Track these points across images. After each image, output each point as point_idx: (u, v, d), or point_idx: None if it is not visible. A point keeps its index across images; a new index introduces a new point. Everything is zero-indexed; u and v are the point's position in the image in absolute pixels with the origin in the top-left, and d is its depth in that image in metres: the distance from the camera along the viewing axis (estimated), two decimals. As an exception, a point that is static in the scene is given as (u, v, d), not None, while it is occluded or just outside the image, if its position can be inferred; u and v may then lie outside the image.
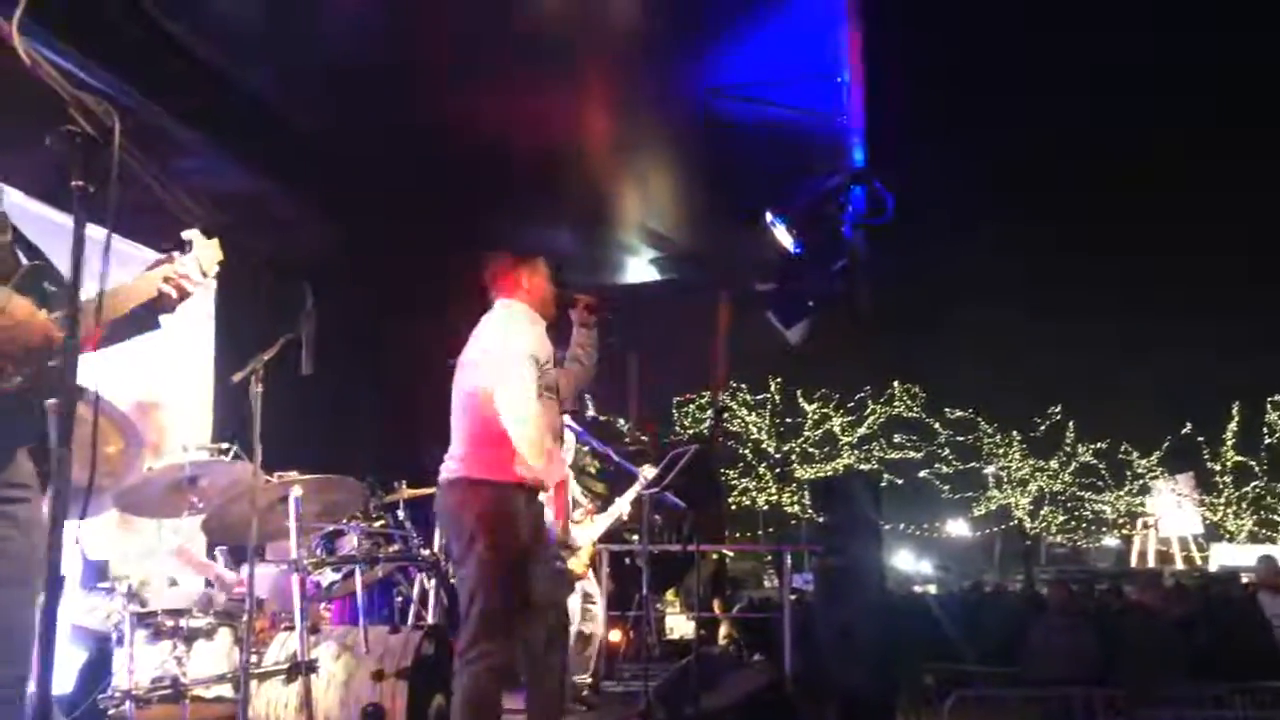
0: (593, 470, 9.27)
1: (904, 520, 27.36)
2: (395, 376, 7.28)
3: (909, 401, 25.80)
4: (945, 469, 26.46)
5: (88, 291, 2.08)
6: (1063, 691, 7.29)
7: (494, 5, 4.92)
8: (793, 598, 8.22)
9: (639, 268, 8.90)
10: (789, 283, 7.14)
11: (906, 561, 28.89)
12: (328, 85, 5.51)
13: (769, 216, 6.24)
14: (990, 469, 27.51)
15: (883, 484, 19.34)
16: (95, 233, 1.66)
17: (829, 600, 7.52)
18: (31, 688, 3.07)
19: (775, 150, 6.10)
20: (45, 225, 4.80)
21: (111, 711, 3.50)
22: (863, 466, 24.73)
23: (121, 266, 1.92)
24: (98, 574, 3.98)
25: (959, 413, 26.30)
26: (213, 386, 6.38)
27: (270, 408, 3.69)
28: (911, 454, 25.99)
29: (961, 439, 26.55)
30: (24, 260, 2.06)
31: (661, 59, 5.41)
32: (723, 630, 9.97)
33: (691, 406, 23.96)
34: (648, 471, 6.02)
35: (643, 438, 11.90)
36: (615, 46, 5.35)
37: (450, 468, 3.83)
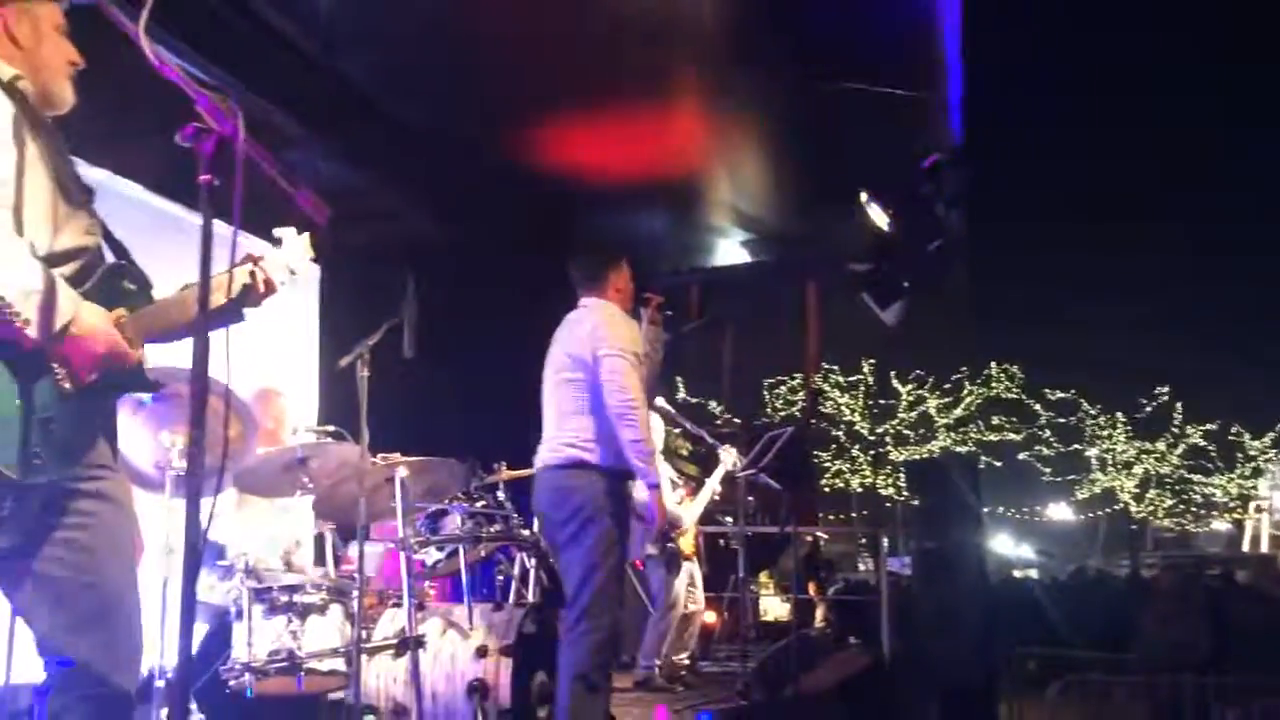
0: (684, 452, 9.31)
1: (1003, 504, 26.81)
2: (494, 360, 7.40)
3: (1007, 382, 25.24)
4: (1046, 451, 25.82)
5: (171, 285, 2.20)
6: (1173, 679, 7.08)
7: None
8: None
9: (730, 250, 8.87)
10: (884, 263, 7.05)
11: (1006, 546, 28.31)
12: (426, 78, 5.62)
13: (864, 196, 6.18)
14: (1093, 451, 26.78)
15: (980, 466, 18.96)
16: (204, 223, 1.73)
17: (927, 584, 7.43)
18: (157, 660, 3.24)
19: (871, 129, 6.02)
20: (161, 217, 5.03)
21: (232, 683, 3.66)
22: (959, 449, 24.29)
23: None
24: (217, 552, 4.15)
25: (1060, 394, 25.64)
26: (318, 371, 6.58)
27: (374, 391, 3.81)
28: (1011, 436, 25.43)
29: (1063, 420, 25.88)
30: (109, 259, 2.17)
31: (754, 41, 5.38)
32: (819, 613, 9.93)
33: (783, 388, 23.86)
34: (727, 453, 6.07)
35: (735, 420, 11.89)
36: (707, 32, 5.34)
37: (565, 452, 3.94)
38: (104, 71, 2.28)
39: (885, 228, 6.36)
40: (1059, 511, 28.61)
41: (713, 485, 6.39)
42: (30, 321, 1.84)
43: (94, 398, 2.01)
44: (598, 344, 3.92)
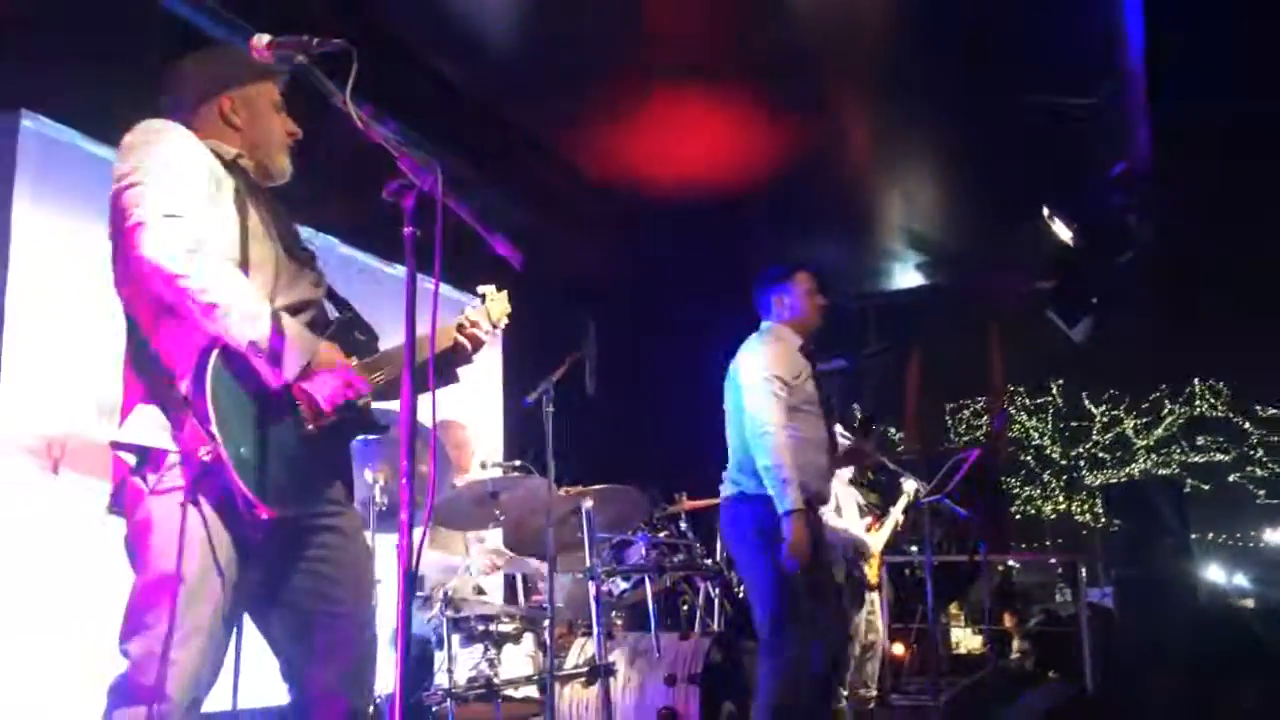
0: (864, 480, 9.15)
1: (1213, 529, 25.08)
2: (672, 393, 7.49)
3: (1212, 399, 23.68)
4: (1259, 472, 24.03)
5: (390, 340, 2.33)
6: None
7: (753, 20, 5.00)
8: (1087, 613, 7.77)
9: (906, 273, 8.71)
10: (1071, 279, 6.79)
11: (1218, 574, 26.44)
12: (593, 118, 5.77)
13: (1046, 211, 5.97)
14: (1314, 469, 24.75)
15: (1186, 489, 17.84)
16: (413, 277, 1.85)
17: (1133, 614, 7.06)
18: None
19: (1052, 141, 5.82)
20: (355, 267, 5.34)
21: (434, 709, 3.82)
22: (1162, 471, 22.90)
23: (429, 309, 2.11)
24: (415, 582, 4.34)
25: (1272, 410, 23.85)
26: (502, 407, 6.82)
27: (557, 425, 3.93)
28: (1219, 456, 23.79)
29: (1276, 439, 24.05)
30: (334, 313, 2.32)
31: (926, 57, 5.29)
32: (1014, 645, 9.54)
33: (966, 412, 23.12)
34: (909, 482, 5.97)
35: (917, 446, 11.61)
36: (877, 52, 5.29)
37: (728, 485, 3.97)
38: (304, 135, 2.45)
39: (1070, 242, 6.12)
40: (1277, 536, 26.53)
41: (896, 515, 6.29)
42: (281, 364, 1.99)
43: (331, 438, 2.15)
44: (737, 372, 3.95)
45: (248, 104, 2.29)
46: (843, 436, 5.53)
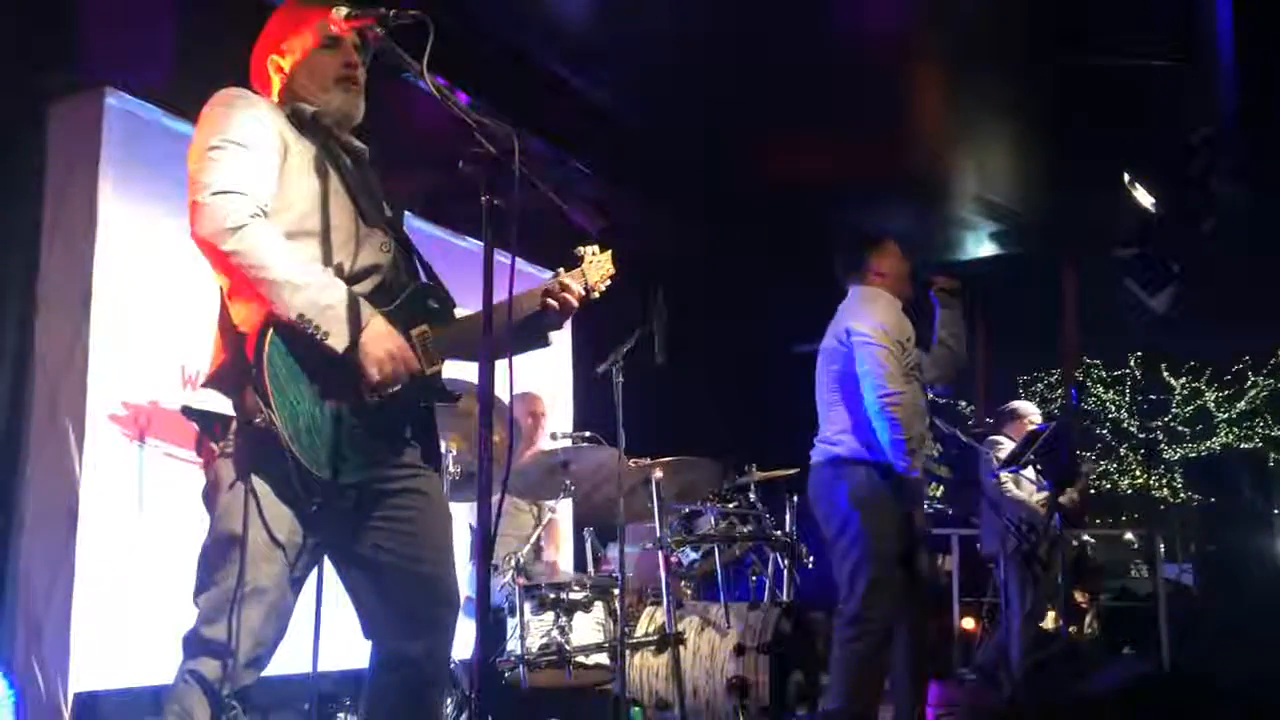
0: (935, 454, 9.03)
1: (1297, 505, 24.32)
2: (742, 364, 7.47)
3: (1299, 371, 22.89)
4: (1350, 446, 23.24)
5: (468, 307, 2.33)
6: None
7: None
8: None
9: (978, 243, 8.55)
10: (1151, 247, 6.60)
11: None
12: (663, 88, 5.73)
13: (1127, 177, 5.81)
14: None
15: (1270, 464, 17.35)
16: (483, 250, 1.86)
17: (1212, 590, 6.92)
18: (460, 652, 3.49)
19: (1131, 104, 5.65)
20: (426, 240, 5.39)
21: (506, 674, 3.89)
22: (1244, 446, 22.24)
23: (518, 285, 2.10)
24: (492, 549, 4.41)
25: (1364, 381, 23.01)
26: (572, 378, 6.86)
27: (627, 396, 3.94)
28: (1306, 430, 23.02)
29: (1368, 413, 23.21)
30: (422, 278, 2.33)
31: (999, 17, 5.15)
32: (1088, 620, 9.40)
33: (1040, 385, 22.67)
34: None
35: (988, 420, 11.41)
36: (954, 15, 5.17)
37: (823, 449, 3.92)
38: (374, 110, 2.44)
39: (1151, 209, 5.95)
40: (1366, 514, 25.67)
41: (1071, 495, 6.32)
42: (330, 334, 2.02)
43: (400, 406, 2.18)
44: (849, 331, 3.83)
45: (289, 54, 2.27)
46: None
